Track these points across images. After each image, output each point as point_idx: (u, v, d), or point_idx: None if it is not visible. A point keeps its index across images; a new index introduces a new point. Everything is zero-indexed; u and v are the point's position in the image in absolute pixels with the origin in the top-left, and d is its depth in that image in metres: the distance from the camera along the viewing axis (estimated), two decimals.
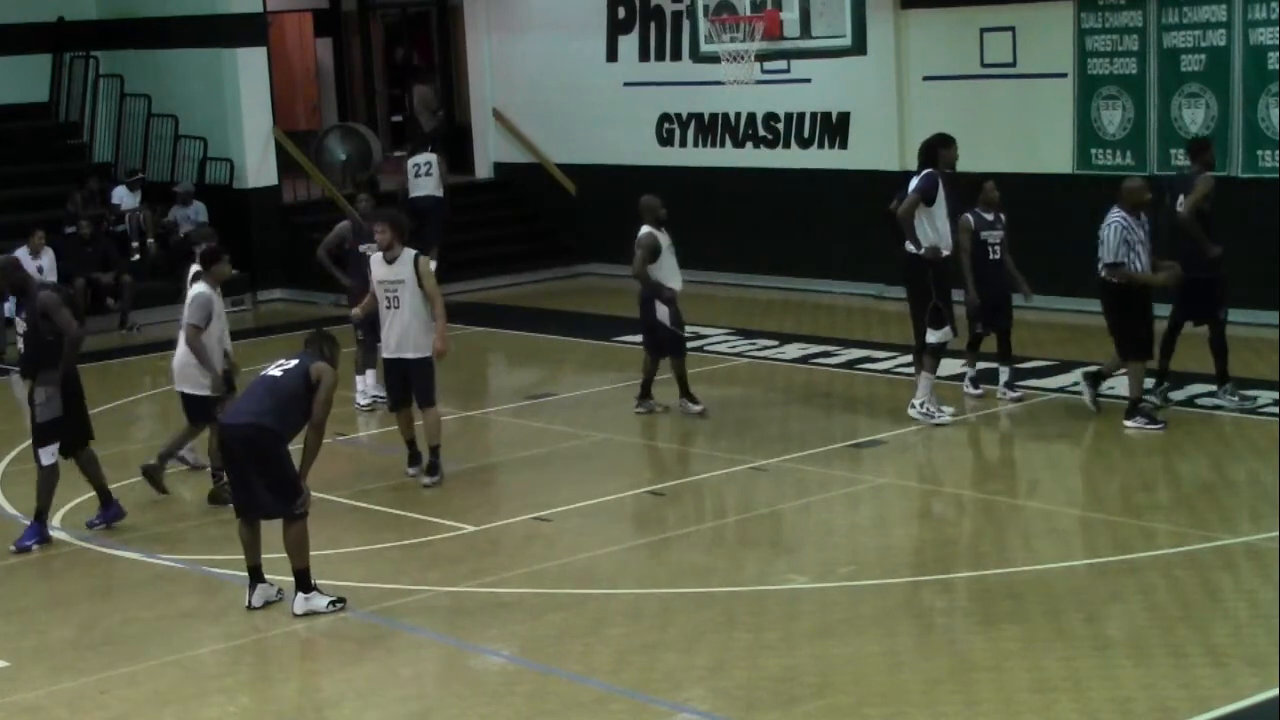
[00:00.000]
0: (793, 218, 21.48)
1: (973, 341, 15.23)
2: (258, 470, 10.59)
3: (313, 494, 10.92)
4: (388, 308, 13.37)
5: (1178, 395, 15.14)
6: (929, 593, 10.70)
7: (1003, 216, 14.94)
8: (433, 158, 22.82)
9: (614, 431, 15.13)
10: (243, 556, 10.86)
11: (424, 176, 22.53)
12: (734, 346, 18.41)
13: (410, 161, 23.04)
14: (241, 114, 23.07)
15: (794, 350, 17.96)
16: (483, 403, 16.42)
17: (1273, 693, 8.80)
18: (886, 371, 16.81)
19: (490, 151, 25.41)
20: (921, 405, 14.61)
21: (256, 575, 10.86)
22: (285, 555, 10.69)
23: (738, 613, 10.47)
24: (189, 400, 13.42)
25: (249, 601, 10.83)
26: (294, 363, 10.85)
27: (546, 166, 24.29)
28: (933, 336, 14.56)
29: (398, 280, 13.25)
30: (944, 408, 14.64)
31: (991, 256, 14.84)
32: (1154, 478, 13.09)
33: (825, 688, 9.27)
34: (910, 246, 14.40)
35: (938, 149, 14.59)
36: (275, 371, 10.86)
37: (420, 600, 10.97)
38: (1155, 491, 12.78)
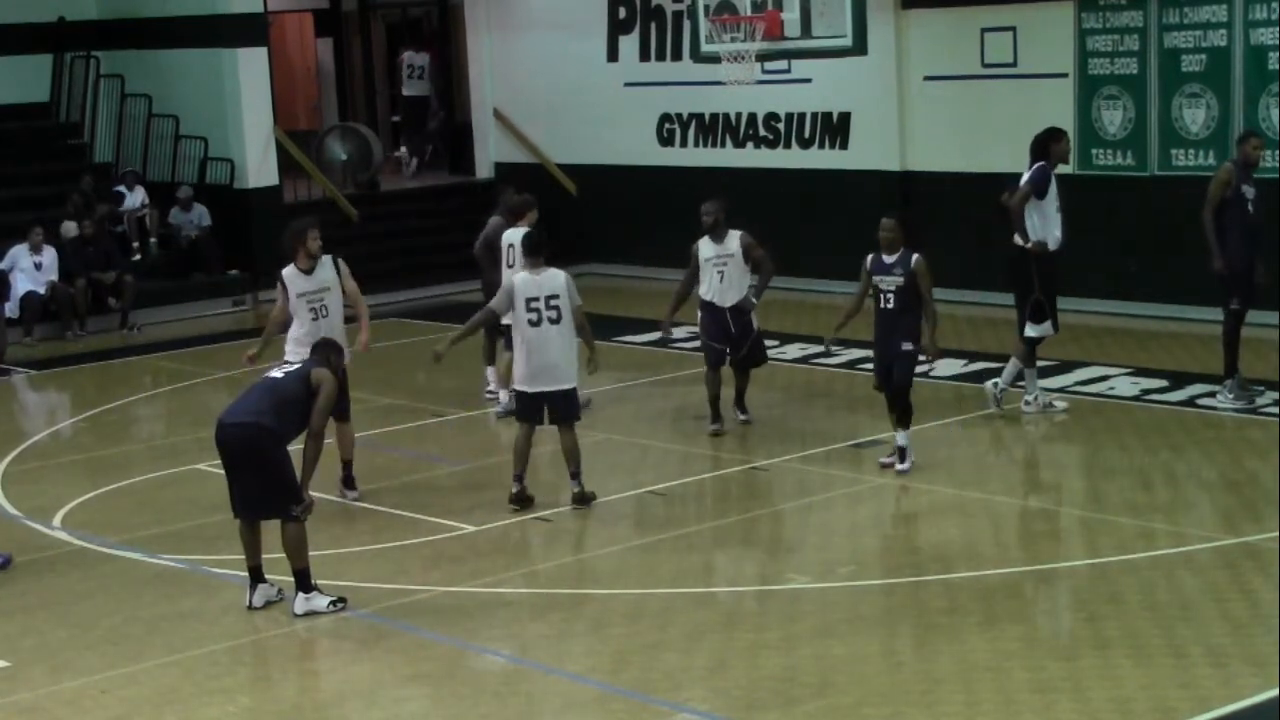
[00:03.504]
0: (793, 218, 21.47)
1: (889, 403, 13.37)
2: (256, 470, 10.58)
3: (314, 494, 10.92)
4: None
5: (1179, 395, 15.18)
6: (929, 593, 10.70)
7: (913, 260, 12.98)
8: (426, 59, 25.68)
9: (614, 431, 15.13)
10: (243, 557, 10.87)
11: (416, 79, 25.73)
12: None
13: (406, 61, 25.89)
14: (242, 114, 23.06)
15: (794, 350, 17.95)
16: (483, 403, 16.41)
17: (1273, 693, 8.81)
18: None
19: (491, 151, 25.41)
20: (1036, 399, 14.70)
21: (257, 576, 10.86)
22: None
23: (738, 613, 10.48)
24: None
25: (249, 602, 10.83)
26: (295, 366, 10.88)
27: (547, 166, 24.29)
28: (1032, 331, 14.57)
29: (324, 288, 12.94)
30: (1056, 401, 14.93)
31: (884, 305, 13.06)
32: (1153, 477, 13.09)
33: (825, 688, 9.27)
34: (1018, 239, 14.42)
35: (1049, 143, 14.55)
36: (276, 373, 10.88)
37: (421, 600, 10.97)
38: (1155, 491, 12.78)
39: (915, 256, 12.98)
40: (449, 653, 10.14)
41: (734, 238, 14.62)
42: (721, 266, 14.56)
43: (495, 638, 10.36)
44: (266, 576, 10.87)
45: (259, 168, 23.19)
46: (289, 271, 12.96)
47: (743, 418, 14.91)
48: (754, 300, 14.75)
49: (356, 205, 23.55)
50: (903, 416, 13.15)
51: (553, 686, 9.58)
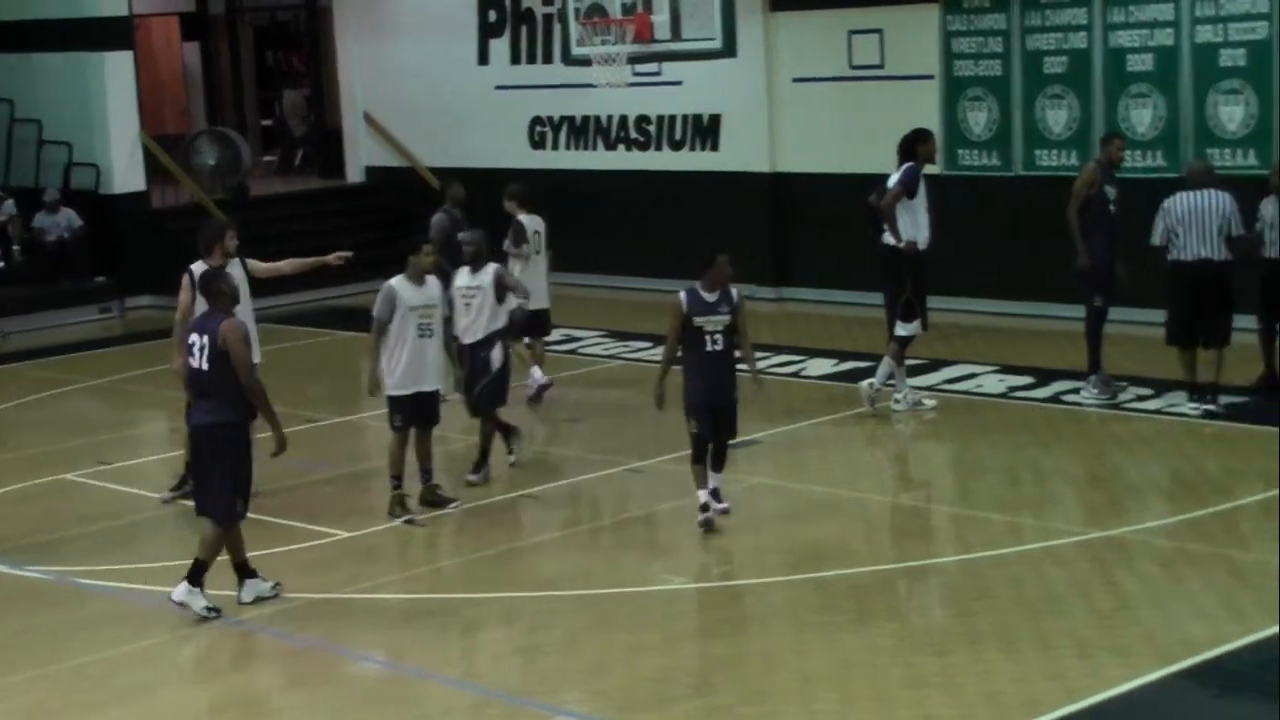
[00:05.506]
0: (664, 219, 21.56)
1: (696, 452, 12.22)
2: (223, 468, 10.61)
3: None
4: None
5: (1045, 391, 15.43)
6: (804, 591, 10.80)
7: (734, 295, 12.05)
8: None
9: None
10: (120, 566, 10.73)
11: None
12: (606, 349, 18.45)
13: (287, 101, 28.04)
14: (108, 118, 22.76)
15: (656, 352, 17.93)
16: (358, 408, 16.30)
17: (1136, 682, 8.99)
18: (762, 372, 16.85)
19: (362, 155, 25.28)
20: (905, 397, 14.87)
21: (244, 571, 10.88)
22: (251, 553, 10.91)
23: (615, 614, 10.51)
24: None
25: (239, 597, 10.84)
26: (205, 339, 10.61)
27: (419, 170, 24.20)
28: (903, 329, 14.71)
29: None
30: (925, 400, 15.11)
31: (710, 347, 11.97)
32: (1021, 473, 13.30)
33: (702, 687, 9.34)
34: (889, 239, 14.56)
35: (916, 144, 14.75)
36: (204, 364, 10.64)
37: (296, 607, 10.90)
38: (1022, 487, 12.98)
39: (736, 291, 12.10)
40: (325, 660, 10.08)
41: (488, 271, 13.55)
42: (470, 298, 13.49)
43: (371, 644, 10.32)
44: (258, 571, 10.93)
45: (125, 173, 22.90)
46: (199, 267, 12.80)
47: (471, 478, 13.43)
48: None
49: (225, 210, 23.29)
50: (723, 460, 12.35)
51: (429, 692, 9.57)
